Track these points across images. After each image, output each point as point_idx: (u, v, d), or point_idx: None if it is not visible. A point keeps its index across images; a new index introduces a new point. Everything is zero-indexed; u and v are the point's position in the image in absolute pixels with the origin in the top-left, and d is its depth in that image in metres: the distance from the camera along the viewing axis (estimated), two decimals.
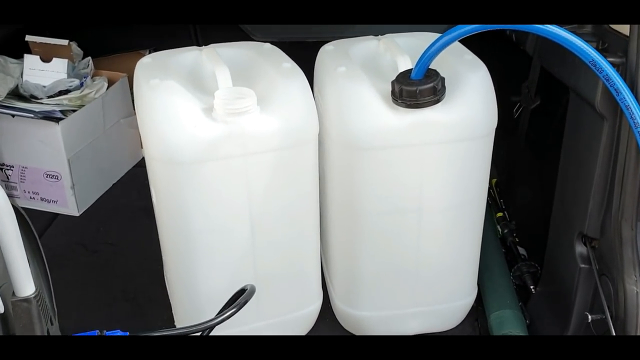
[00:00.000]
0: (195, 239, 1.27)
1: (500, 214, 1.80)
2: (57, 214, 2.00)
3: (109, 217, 2.01)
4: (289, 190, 1.28)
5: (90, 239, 1.91)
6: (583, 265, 1.31)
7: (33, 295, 0.97)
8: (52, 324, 1.06)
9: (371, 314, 1.46)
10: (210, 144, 1.15)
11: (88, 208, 2.04)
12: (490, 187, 1.87)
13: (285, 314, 1.44)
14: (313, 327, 1.52)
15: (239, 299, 1.25)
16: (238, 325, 1.37)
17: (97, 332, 1.09)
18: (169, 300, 1.54)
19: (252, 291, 1.28)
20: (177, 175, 1.18)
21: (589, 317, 1.28)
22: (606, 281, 1.26)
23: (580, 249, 1.32)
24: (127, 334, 1.11)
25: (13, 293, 0.97)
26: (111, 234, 1.93)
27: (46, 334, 1.00)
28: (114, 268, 1.78)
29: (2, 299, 0.94)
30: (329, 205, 1.40)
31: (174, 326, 1.48)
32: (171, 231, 1.30)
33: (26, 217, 1.06)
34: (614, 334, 1.21)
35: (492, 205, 1.83)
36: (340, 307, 1.49)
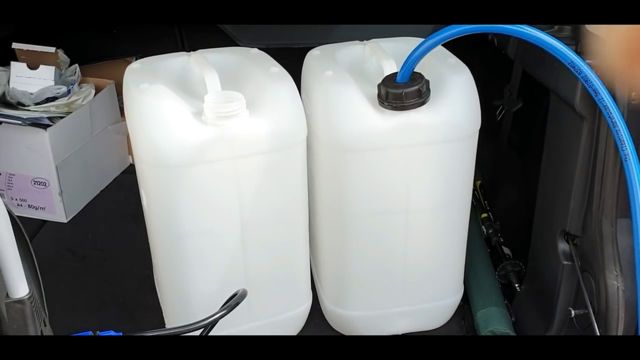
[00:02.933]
0: (185, 242, 1.29)
1: (484, 215, 1.83)
2: (45, 221, 2.00)
3: (97, 224, 2.01)
4: (278, 193, 1.30)
5: (79, 245, 1.91)
6: (566, 262, 1.34)
7: (27, 297, 0.98)
8: (45, 325, 1.07)
9: (360, 314, 1.48)
10: (200, 147, 1.16)
11: (76, 214, 2.04)
12: (474, 189, 1.91)
13: (276, 315, 1.45)
14: (303, 328, 1.54)
15: (230, 301, 1.27)
16: (229, 327, 1.39)
17: (90, 333, 1.10)
18: (159, 304, 1.55)
19: (244, 295, 1.30)
20: (166, 178, 1.20)
21: (572, 312, 1.31)
22: (588, 277, 1.29)
23: (562, 246, 1.35)
24: (121, 334, 1.12)
25: (7, 295, 0.98)
26: (100, 240, 1.93)
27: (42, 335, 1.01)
28: (103, 273, 1.78)
29: None
30: (318, 207, 1.42)
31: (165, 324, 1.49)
32: (161, 234, 1.31)
33: (17, 220, 1.07)
34: (597, 329, 1.24)
35: (476, 206, 1.86)
36: (330, 307, 1.51)
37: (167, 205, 1.24)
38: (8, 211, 0.96)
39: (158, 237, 1.33)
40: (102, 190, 2.16)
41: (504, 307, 1.51)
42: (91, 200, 2.11)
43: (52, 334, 1.09)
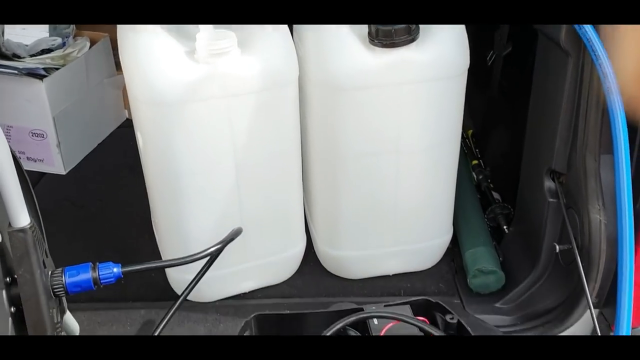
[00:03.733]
0: (181, 181, 1.32)
1: (475, 162, 1.87)
2: (44, 173, 2.04)
3: (95, 175, 2.05)
4: (271, 134, 1.33)
5: (78, 195, 1.95)
6: (551, 200, 1.38)
7: (28, 226, 1.02)
8: (47, 256, 1.11)
9: (352, 254, 1.53)
10: (193, 84, 1.19)
11: (75, 167, 2.08)
12: (466, 137, 1.94)
13: (271, 255, 1.50)
14: (297, 270, 1.59)
15: (225, 236, 1.31)
16: (228, 267, 1.43)
17: (90, 264, 1.15)
18: (157, 249, 1.59)
19: (239, 231, 1.34)
20: (161, 116, 1.22)
21: (557, 247, 1.35)
22: (573, 213, 1.33)
23: (548, 184, 1.39)
24: (120, 265, 1.17)
25: (9, 224, 1.02)
26: (98, 191, 1.96)
27: (43, 264, 1.05)
28: (102, 221, 1.82)
29: None
30: (310, 149, 1.45)
31: (165, 276, 1.53)
32: (157, 174, 1.35)
33: (17, 156, 1.10)
34: (580, 263, 1.29)
35: (467, 153, 1.89)
36: (323, 248, 1.56)
37: (161, 143, 1.27)
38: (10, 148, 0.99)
39: (154, 177, 1.37)
40: (99, 144, 2.19)
41: (492, 247, 1.55)
42: (89, 153, 2.14)
43: (53, 266, 1.13)
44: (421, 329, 1.17)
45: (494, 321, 1.43)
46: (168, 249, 1.49)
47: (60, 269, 1.10)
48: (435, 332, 1.14)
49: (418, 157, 1.40)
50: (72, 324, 1.29)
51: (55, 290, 1.07)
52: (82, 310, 1.42)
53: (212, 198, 1.35)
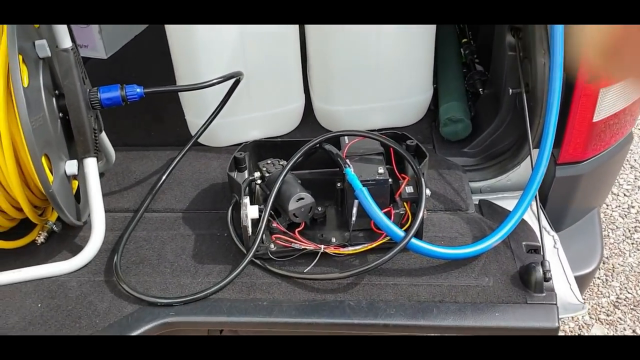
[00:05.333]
0: (197, 40, 1.59)
1: (465, 40, 2.07)
2: (88, 58, 2.36)
3: (133, 59, 2.36)
4: None
5: (117, 75, 2.26)
6: (510, 53, 1.59)
7: (70, 47, 1.32)
8: (85, 78, 1.41)
9: (343, 109, 1.79)
10: None
11: (115, 52, 2.39)
12: None
13: (274, 107, 1.77)
14: (297, 126, 1.86)
15: (228, 90, 1.58)
16: (236, 115, 1.72)
17: (119, 85, 1.44)
18: (182, 111, 1.88)
19: (239, 73, 1.60)
20: None
21: (510, 90, 1.57)
22: (526, 63, 1.54)
23: (509, 39, 1.60)
24: (143, 87, 1.45)
25: (56, 46, 1.32)
26: (135, 71, 2.27)
27: (82, 81, 1.36)
28: None
29: (48, 48, 1.28)
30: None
31: (187, 129, 1.83)
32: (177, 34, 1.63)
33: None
34: (526, 104, 1.50)
35: (459, 33, 2.10)
36: (318, 105, 1.82)
37: None
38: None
39: (175, 37, 1.65)
40: (136, 35, 2.49)
41: (464, 103, 1.78)
42: (128, 42, 2.45)
43: (90, 86, 1.42)
44: (382, 143, 1.43)
45: (460, 162, 1.68)
46: (189, 102, 1.79)
47: (96, 87, 1.41)
48: (391, 144, 1.41)
49: None
50: (108, 146, 1.61)
51: (93, 103, 1.37)
52: (119, 151, 1.73)
53: (220, 51, 1.62)
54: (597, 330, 2.32)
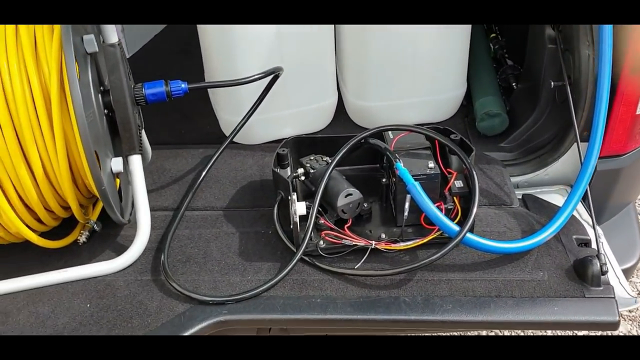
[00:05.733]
0: (233, 37, 1.57)
1: (493, 35, 2.06)
2: None
3: (155, 57, 2.34)
4: None
5: (139, 71, 2.23)
6: (550, 46, 1.58)
7: (117, 42, 1.30)
8: (130, 73, 1.39)
9: (377, 104, 1.77)
10: None
11: (137, 51, 2.37)
12: None
13: (308, 104, 1.76)
14: (329, 123, 1.84)
15: (266, 86, 1.56)
16: (271, 112, 1.70)
17: (163, 81, 1.42)
18: (212, 111, 1.86)
19: (279, 68, 1.58)
20: None
21: (552, 83, 1.56)
22: (568, 55, 1.53)
23: (549, 32, 1.59)
24: (187, 82, 1.43)
25: (103, 41, 1.30)
26: (158, 67, 2.25)
27: (127, 77, 1.34)
28: None
29: (95, 43, 1.26)
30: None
31: (216, 127, 1.81)
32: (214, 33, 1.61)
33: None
34: (570, 96, 1.49)
35: (487, 29, 2.09)
36: (352, 100, 1.81)
37: None
38: None
39: (212, 37, 1.63)
40: (155, 35, 2.47)
41: (499, 97, 1.77)
42: (149, 41, 2.43)
43: (133, 82, 1.40)
44: (427, 136, 1.42)
45: (498, 157, 1.67)
46: (222, 100, 1.77)
47: (141, 83, 1.39)
48: (441, 138, 1.39)
49: None
50: (146, 143, 1.59)
51: (137, 98, 1.35)
52: (153, 150, 1.71)
53: (258, 48, 1.60)
54: (622, 328, 2.31)
